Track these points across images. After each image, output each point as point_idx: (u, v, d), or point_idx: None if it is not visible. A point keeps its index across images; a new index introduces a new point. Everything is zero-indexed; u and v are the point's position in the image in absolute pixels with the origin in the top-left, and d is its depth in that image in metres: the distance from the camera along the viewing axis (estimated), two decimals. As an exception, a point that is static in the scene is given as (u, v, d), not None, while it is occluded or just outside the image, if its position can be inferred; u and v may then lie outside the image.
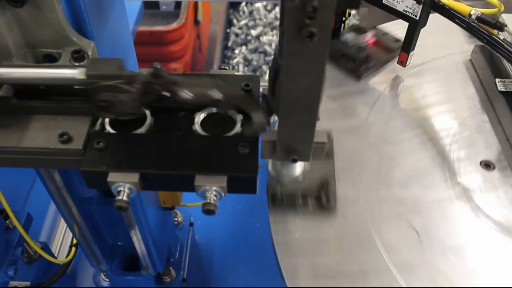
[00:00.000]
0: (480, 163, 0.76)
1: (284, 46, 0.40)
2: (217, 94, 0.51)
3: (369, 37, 0.91)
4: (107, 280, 1.04)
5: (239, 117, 0.54)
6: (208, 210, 0.48)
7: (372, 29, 0.95)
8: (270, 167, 0.64)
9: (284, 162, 0.62)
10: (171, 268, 1.06)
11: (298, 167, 0.64)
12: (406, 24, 0.83)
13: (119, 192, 0.49)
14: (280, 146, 0.51)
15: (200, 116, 0.55)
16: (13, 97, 0.54)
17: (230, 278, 1.33)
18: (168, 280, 1.05)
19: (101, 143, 0.51)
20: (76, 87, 0.52)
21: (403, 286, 0.62)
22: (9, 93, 0.54)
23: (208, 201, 0.48)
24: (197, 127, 0.54)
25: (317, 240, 0.66)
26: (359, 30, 0.91)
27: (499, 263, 0.65)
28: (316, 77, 0.43)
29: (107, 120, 0.54)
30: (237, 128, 0.54)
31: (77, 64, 0.57)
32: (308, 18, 0.36)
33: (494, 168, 0.75)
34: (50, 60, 0.60)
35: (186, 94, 0.51)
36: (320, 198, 0.66)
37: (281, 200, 0.66)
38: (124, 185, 0.49)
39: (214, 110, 0.55)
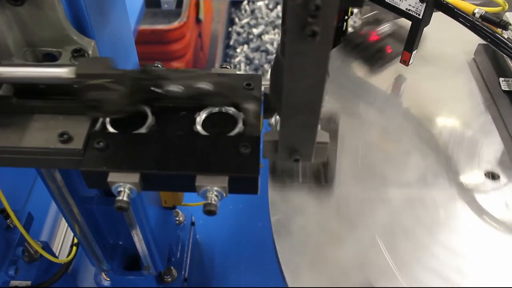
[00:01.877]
0: (483, 163, 0.75)
1: (286, 45, 0.39)
2: (207, 85, 0.50)
3: (385, 29, 0.91)
4: (108, 279, 1.04)
5: (240, 117, 0.54)
6: (209, 211, 0.47)
7: (387, 22, 0.94)
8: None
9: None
10: (172, 268, 1.06)
11: None
12: (407, 23, 0.83)
13: (119, 192, 0.48)
14: (282, 146, 0.50)
15: (201, 116, 0.54)
16: (13, 97, 0.54)
17: (231, 277, 1.33)
18: (169, 279, 1.04)
19: (101, 143, 0.50)
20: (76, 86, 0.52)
21: (403, 286, 0.61)
22: (9, 92, 0.54)
23: (209, 201, 0.48)
24: (198, 127, 0.53)
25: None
26: (376, 21, 0.90)
27: (501, 263, 0.64)
28: (318, 77, 0.42)
29: (108, 119, 0.54)
30: (239, 128, 0.53)
31: (77, 63, 0.56)
32: (311, 17, 0.36)
33: (497, 168, 0.74)
34: (50, 59, 0.59)
35: (175, 87, 0.50)
36: (319, 175, 0.65)
37: (280, 175, 0.66)
38: (124, 185, 0.48)
39: (215, 109, 0.55)
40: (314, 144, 0.50)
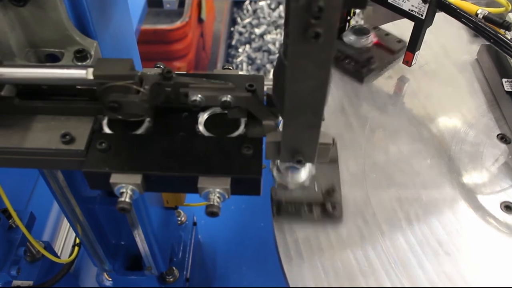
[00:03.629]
0: (486, 164, 0.75)
1: (289, 47, 0.39)
2: (227, 98, 0.50)
3: (371, 38, 0.90)
4: (110, 279, 1.04)
5: (243, 118, 0.54)
6: (211, 213, 0.47)
7: (374, 29, 0.94)
8: (274, 173, 0.63)
9: (288, 167, 0.61)
10: (174, 268, 1.06)
11: (303, 173, 0.63)
12: (407, 24, 0.82)
13: (121, 193, 0.48)
14: (285, 147, 0.51)
15: (203, 117, 0.54)
16: (15, 97, 0.54)
17: (233, 278, 1.33)
18: (171, 280, 1.05)
19: (103, 144, 0.50)
20: (79, 87, 0.52)
21: (403, 286, 0.61)
22: (12, 93, 0.54)
23: (212, 203, 0.48)
24: (200, 127, 0.53)
25: (321, 247, 0.65)
26: (361, 31, 0.90)
27: (503, 264, 0.64)
28: (321, 78, 0.42)
29: (105, 121, 0.53)
30: (241, 129, 0.53)
31: (79, 63, 0.56)
32: (314, 18, 0.36)
33: (500, 169, 0.74)
34: (52, 59, 0.59)
35: (197, 97, 0.50)
36: (326, 205, 0.66)
37: (285, 207, 0.66)
38: (126, 186, 0.48)
39: (218, 110, 0.55)
40: (317, 145, 0.50)
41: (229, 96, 0.50)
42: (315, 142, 0.49)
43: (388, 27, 0.98)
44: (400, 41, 0.93)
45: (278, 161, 0.59)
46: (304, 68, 0.41)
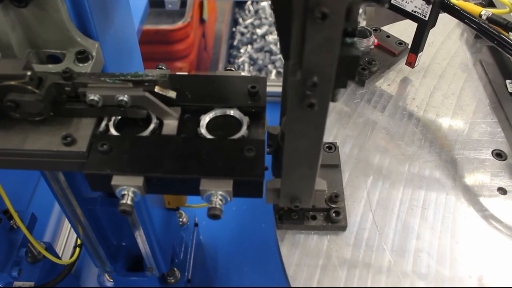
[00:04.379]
0: (489, 165, 0.75)
1: (287, 113, 0.44)
2: (124, 98, 0.51)
3: (372, 40, 0.90)
4: (112, 280, 1.04)
5: (245, 120, 0.53)
6: (213, 215, 0.47)
7: (375, 31, 0.93)
8: None
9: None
10: (175, 269, 1.06)
11: None
12: (408, 25, 0.82)
13: (123, 195, 0.48)
14: (284, 194, 0.55)
15: (205, 119, 0.54)
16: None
17: (234, 278, 1.33)
18: (172, 281, 1.04)
19: (105, 146, 0.50)
20: (80, 90, 0.52)
21: (404, 286, 0.61)
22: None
23: (214, 205, 0.47)
24: (202, 130, 0.53)
25: (326, 255, 0.65)
26: (362, 33, 0.89)
27: (505, 265, 0.64)
28: (315, 139, 0.47)
29: (111, 122, 0.53)
30: (243, 131, 0.53)
31: (80, 65, 0.56)
32: (309, 90, 0.40)
33: (503, 170, 0.74)
34: (54, 60, 0.59)
35: (94, 96, 0.51)
36: (329, 212, 0.65)
37: (288, 215, 0.66)
38: (128, 188, 0.48)
39: (219, 112, 0.54)
40: (313, 193, 0.55)
41: (126, 95, 0.51)
42: (311, 190, 0.55)
43: (388, 29, 0.97)
44: (401, 43, 0.92)
45: None
46: (300, 131, 0.46)
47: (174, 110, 0.54)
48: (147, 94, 0.51)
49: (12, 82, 0.49)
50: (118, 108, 0.52)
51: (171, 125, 0.53)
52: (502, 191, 0.72)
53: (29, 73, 0.49)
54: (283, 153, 0.49)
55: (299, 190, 0.54)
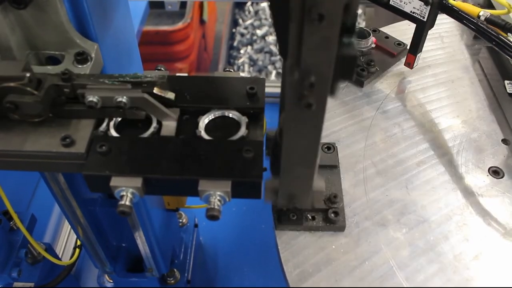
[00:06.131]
0: (488, 168, 0.75)
1: (285, 113, 0.45)
2: (123, 99, 0.51)
3: (371, 41, 0.90)
4: (111, 281, 1.05)
5: (244, 121, 0.54)
6: (212, 216, 0.47)
7: (373, 32, 0.94)
8: None
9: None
10: (175, 270, 1.06)
11: None
12: (406, 26, 0.82)
13: (122, 196, 0.48)
14: (282, 194, 0.55)
15: (204, 120, 0.54)
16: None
17: (234, 279, 1.33)
18: (172, 281, 1.05)
19: (104, 147, 0.50)
20: (79, 91, 0.52)
21: (404, 286, 0.61)
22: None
23: (212, 206, 0.47)
24: (201, 131, 0.53)
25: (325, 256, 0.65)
26: (361, 34, 0.89)
27: (505, 267, 0.64)
28: (313, 138, 0.47)
29: (111, 123, 0.54)
30: (242, 132, 0.53)
31: (79, 66, 0.56)
32: (306, 91, 0.41)
33: (502, 173, 0.74)
34: (53, 62, 0.59)
35: (93, 98, 0.51)
36: (328, 212, 0.66)
37: (287, 215, 0.66)
38: (127, 189, 0.48)
39: (218, 114, 0.55)
40: (311, 192, 0.55)
41: (124, 97, 0.51)
42: (309, 190, 0.55)
43: (387, 29, 0.97)
44: (400, 43, 0.93)
45: None
46: (298, 130, 0.46)
47: (173, 111, 0.54)
48: (146, 96, 0.52)
49: (11, 84, 0.49)
50: (117, 109, 0.52)
51: (169, 126, 0.54)
52: (502, 191, 0.72)
53: (28, 74, 0.49)
54: (281, 151, 0.49)
55: (297, 189, 0.55)
